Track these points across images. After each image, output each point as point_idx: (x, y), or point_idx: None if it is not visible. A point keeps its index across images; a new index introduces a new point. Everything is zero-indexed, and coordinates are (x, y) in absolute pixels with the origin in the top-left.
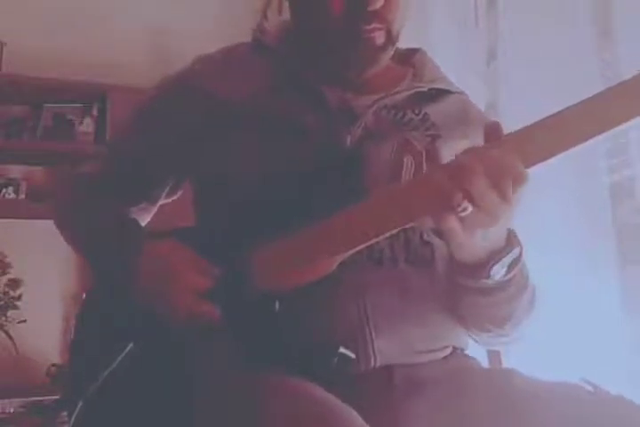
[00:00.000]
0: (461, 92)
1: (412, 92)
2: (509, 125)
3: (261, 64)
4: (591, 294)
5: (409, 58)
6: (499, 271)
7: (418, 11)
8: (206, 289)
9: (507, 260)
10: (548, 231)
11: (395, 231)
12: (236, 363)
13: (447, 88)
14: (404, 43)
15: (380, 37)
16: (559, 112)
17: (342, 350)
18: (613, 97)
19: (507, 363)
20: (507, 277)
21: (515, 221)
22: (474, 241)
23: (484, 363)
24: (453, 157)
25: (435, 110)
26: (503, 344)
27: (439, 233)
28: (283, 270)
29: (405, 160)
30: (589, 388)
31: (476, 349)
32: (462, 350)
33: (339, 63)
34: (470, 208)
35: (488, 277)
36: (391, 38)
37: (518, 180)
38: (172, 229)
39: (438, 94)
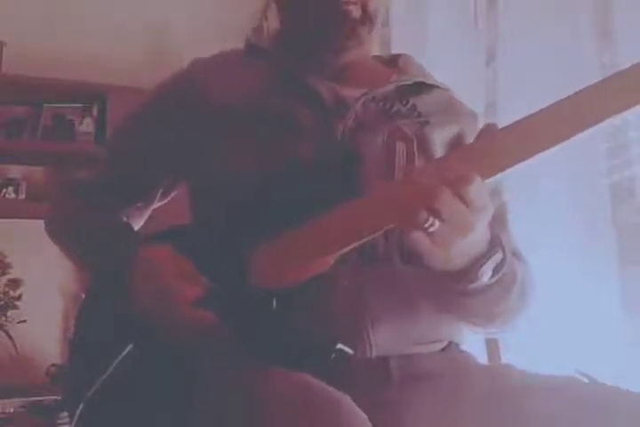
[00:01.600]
0: (446, 89)
1: (399, 84)
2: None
3: (256, 66)
4: (591, 294)
5: (394, 61)
6: (485, 275)
7: (417, 11)
8: (198, 298)
9: (490, 264)
10: (548, 231)
11: (389, 228)
12: (236, 362)
13: (431, 83)
14: (403, 42)
15: (355, 11)
16: (518, 120)
17: (340, 345)
18: (569, 107)
19: (505, 362)
20: (492, 280)
21: (516, 221)
22: (451, 254)
23: (483, 359)
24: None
25: (421, 101)
26: (494, 334)
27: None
28: (279, 268)
29: (398, 147)
30: (584, 379)
31: (475, 346)
32: (457, 344)
33: (322, 38)
34: (437, 223)
35: (474, 281)
36: (368, 15)
37: (467, 182)
38: (168, 228)
39: (423, 87)
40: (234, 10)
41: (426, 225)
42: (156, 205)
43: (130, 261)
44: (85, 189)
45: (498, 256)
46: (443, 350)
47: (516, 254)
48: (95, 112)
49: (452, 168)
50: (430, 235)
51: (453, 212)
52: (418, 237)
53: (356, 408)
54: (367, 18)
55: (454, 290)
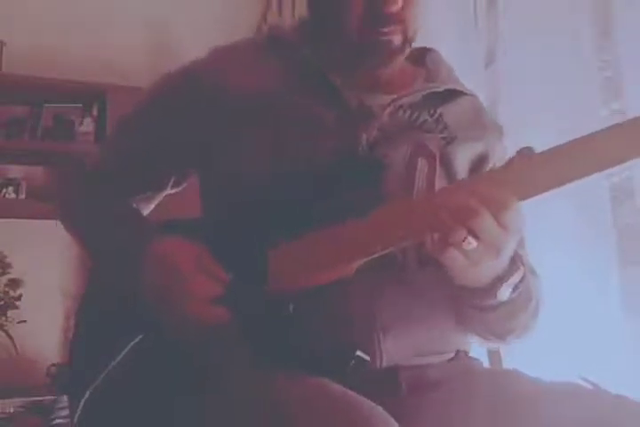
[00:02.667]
0: (474, 95)
1: (428, 92)
2: (509, 126)
3: (275, 59)
4: (591, 294)
5: (421, 57)
6: (505, 292)
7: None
8: (217, 295)
9: (511, 281)
10: (548, 232)
11: (414, 242)
12: (244, 362)
13: (461, 89)
14: None
15: (397, 40)
16: (557, 146)
17: (359, 352)
18: (613, 136)
19: (506, 363)
20: (511, 297)
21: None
22: (478, 270)
23: (484, 363)
24: (465, 164)
25: (449, 111)
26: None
27: (438, 262)
28: (298, 272)
29: (419, 163)
30: (589, 386)
31: (476, 349)
32: (466, 352)
33: (354, 62)
34: (475, 243)
35: (494, 298)
36: (407, 39)
37: (507, 206)
38: (177, 219)
39: (452, 95)
40: (234, 9)
41: (463, 243)
42: (169, 192)
43: (142, 252)
44: (94, 177)
45: (519, 274)
46: (452, 359)
47: (529, 269)
48: (95, 112)
49: (489, 191)
50: (465, 253)
51: (491, 233)
52: (454, 254)
53: (379, 409)
54: (407, 42)
55: (472, 305)
